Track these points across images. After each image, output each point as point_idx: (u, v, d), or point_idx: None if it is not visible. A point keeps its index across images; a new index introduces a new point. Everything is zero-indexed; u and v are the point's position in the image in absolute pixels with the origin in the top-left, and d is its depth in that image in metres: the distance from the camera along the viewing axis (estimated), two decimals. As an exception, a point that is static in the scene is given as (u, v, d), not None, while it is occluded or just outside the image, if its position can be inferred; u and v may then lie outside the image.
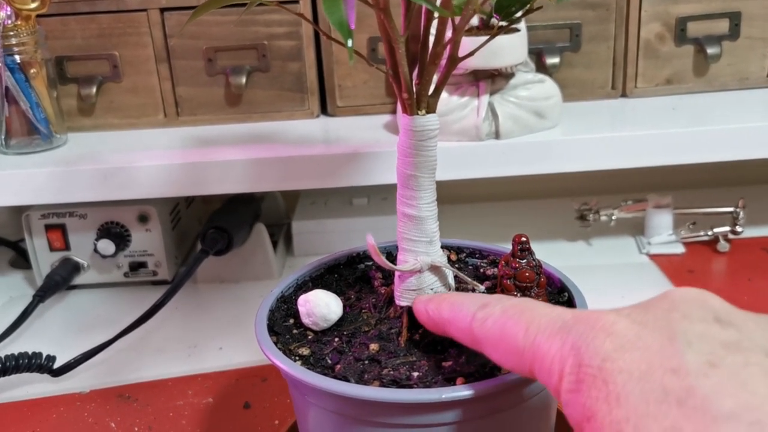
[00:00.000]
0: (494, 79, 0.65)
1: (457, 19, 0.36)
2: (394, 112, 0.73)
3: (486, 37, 0.40)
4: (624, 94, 0.74)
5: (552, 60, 0.71)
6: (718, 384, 0.22)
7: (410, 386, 0.34)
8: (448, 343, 0.38)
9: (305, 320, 0.40)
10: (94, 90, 0.71)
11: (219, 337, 0.65)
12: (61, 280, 0.70)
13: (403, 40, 0.36)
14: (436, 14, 0.36)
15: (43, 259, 0.73)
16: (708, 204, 0.77)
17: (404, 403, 0.33)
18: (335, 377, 0.35)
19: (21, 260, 0.80)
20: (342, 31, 0.30)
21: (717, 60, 0.72)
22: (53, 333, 0.67)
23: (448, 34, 0.37)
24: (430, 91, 0.38)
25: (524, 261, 0.41)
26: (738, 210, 0.74)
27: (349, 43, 0.30)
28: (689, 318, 0.25)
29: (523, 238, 0.41)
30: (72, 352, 0.61)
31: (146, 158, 0.66)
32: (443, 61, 0.38)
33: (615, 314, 0.26)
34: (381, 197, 0.82)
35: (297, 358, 0.38)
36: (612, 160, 0.65)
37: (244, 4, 0.38)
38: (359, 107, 0.73)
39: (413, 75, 0.38)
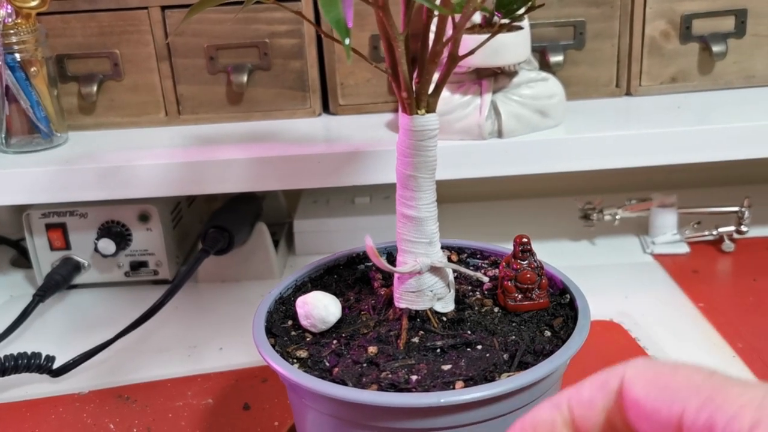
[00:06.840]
0: (497, 77, 0.65)
1: (457, 17, 0.36)
2: (396, 110, 0.72)
3: (487, 35, 0.39)
4: (628, 93, 0.73)
5: (555, 58, 0.70)
6: None
7: (409, 390, 0.34)
8: (447, 346, 0.37)
9: (303, 322, 0.40)
10: (94, 88, 0.71)
11: (219, 337, 0.65)
12: (61, 280, 0.70)
13: (402, 39, 0.35)
14: (436, 12, 0.36)
15: (44, 259, 0.72)
16: (713, 203, 0.76)
17: (402, 407, 0.33)
18: (333, 380, 0.35)
19: (21, 259, 0.80)
20: (339, 29, 0.30)
21: (723, 58, 0.71)
22: (53, 333, 0.67)
23: (449, 32, 0.37)
24: (430, 90, 0.37)
25: (525, 262, 0.40)
26: (743, 209, 0.74)
27: (347, 41, 0.30)
28: None
29: (524, 239, 0.41)
30: (71, 352, 0.60)
31: (147, 157, 0.65)
32: (443, 60, 0.38)
33: None
34: (383, 196, 0.81)
35: (295, 360, 0.37)
36: (616, 159, 0.65)
37: (242, 2, 0.38)
38: (361, 106, 0.73)
39: (413, 74, 0.37)
